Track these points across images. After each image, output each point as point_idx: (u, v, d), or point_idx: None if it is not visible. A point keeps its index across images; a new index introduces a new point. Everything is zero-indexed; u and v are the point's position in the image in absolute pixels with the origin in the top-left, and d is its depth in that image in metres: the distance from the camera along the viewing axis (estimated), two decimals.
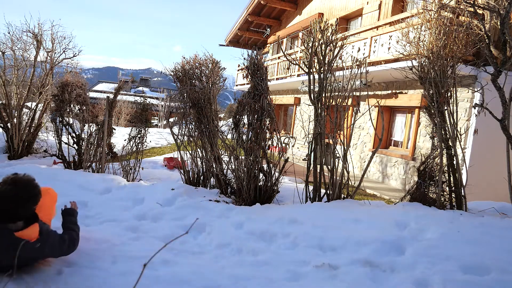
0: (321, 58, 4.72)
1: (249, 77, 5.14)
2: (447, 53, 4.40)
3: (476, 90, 6.60)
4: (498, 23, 4.37)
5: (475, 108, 4.73)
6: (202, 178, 5.82)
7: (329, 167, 4.74)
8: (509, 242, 2.99)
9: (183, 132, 5.90)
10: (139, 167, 6.94)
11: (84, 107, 8.08)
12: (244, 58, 5.21)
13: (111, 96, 8.51)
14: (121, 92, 12.02)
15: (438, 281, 2.44)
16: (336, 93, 4.70)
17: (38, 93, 9.67)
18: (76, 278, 2.33)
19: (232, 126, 5.23)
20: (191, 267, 2.71)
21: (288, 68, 12.81)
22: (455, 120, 4.44)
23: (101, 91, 31.64)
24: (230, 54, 7.64)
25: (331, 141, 4.77)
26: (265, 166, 5.09)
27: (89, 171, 7.11)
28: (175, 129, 6.00)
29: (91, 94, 16.53)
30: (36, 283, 2.19)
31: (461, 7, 4.70)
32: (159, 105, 27.98)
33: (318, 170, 4.80)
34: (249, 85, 5.19)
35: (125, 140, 7.02)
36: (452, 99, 4.48)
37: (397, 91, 9.13)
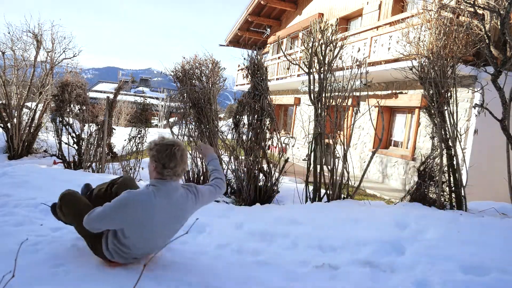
0: (321, 58, 4.72)
1: (249, 77, 5.14)
2: (447, 53, 4.40)
3: (476, 90, 6.60)
4: (498, 23, 4.37)
5: (475, 108, 4.73)
6: (202, 178, 5.82)
7: (329, 167, 4.74)
8: (509, 242, 2.99)
9: (183, 132, 5.90)
10: (139, 167, 6.94)
11: (84, 107, 8.10)
12: (244, 58, 5.22)
13: (111, 96, 8.52)
14: (121, 92, 12.04)
15: (438, 281, 2.44)
16: (336, 93, 4.70)
17: (38, 93, 9.68)
18: (73, 278, 2.33)
19: (232, 126, 5.24)
20: (191, 267, 2.71)
21: (288, 68, 12.82)
22: (455, 120, 4.44)
23: (101, 91, 31.64)
24: (230, 54, 7.66)
25: (331, 141, 4.77)
26: (265, 166, 5.09)
27: (89, 171, 7.11)
28: (175, 129, 6.00)
29: (91, 94, 16.54)
30: (31, 283, 2.18)
31: (461, 7, 4.70)
32: (159, 105, 27.98)
33: (318, 170, 4.80)
34: (249, 85, 5.19)
35: (125, 140, 7.02)
36: (452, 99, 4.49)
37: (397, 91, 9.13)
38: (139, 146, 6.89)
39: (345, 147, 4.67)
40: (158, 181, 2.21)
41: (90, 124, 7.89)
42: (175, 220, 2.31)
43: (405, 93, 8.90)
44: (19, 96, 9.50)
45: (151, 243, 2.30)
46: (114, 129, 9.34)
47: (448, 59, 4.43)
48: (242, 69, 14.74)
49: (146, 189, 2.21)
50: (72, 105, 8.12)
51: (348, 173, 4.65)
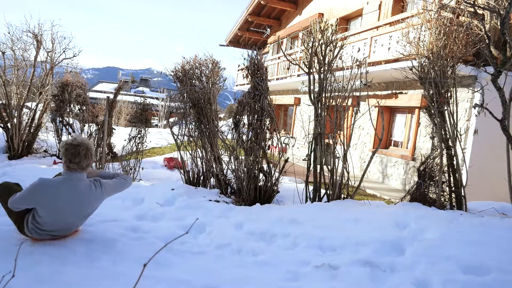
0: (321, 58, 4.72)
1: (249, 77, 5.14)
2: (447, 53, 4.40)
3: (476, 90, 6.60)
4: (498, 24, 4.37)
5: (475, 108, 4.73)
6: (202, 178, 5.82)
7: (329, 167, 4.74)
8: (509, 242, 2.99)
9: (183, 132, 5.90)
10: (139, 167, 6.94)
11: (84, 107, 8.09)
12: (244, 58, 5.21)
13: (111, 96, 8.51)
14: (121, 92, 12.03)
15: (438, 281, 2.44)
16: (336, 93, 4.70)
17: (38, 93, 9.67)
18: (73, 278, 2.33)
19: (232, 126, 5.23)
20: (191, 267, 2.71)
21: (288, 68, 12.82)
22: (455, 120, 4.44)
23: (101, 91, 31.63)
24: (230, 54, 7.65)
25: (331, 141, 4.77)
26: (265, 166, 5.09)
27: None
28: (175, 129, 6.00)
29: (91, 94, 16.54)
30: (31, 283, 2.18)
31: (461, 7, 4.70)
32: (159, 105, 27.96)
33: (318, 170, 4.80)
34: (249, 85, 5.19)
35: (125, 140, 7.02)
36: (452, 99, 4.49)
37: (397, 91, 9.13)
38: (139, 146, 6.89)
39: (345, 147, 4.67)
40: (66, 172, 2.74)
41: (90, 124, 7.89)
42: (80, 205, 2.80)
43: (405, 93, 8.90)
44: (19, 96, 9.49)
45: (60, 222, 2.78)
46: (114, 129, 9.34)
47: (448, 59, 4.43)
48: (242, 69, 14.74)
49: (56, 178, 2.77)
50: (72, 105, 8.12)
51: (348, 173, 4.65)
